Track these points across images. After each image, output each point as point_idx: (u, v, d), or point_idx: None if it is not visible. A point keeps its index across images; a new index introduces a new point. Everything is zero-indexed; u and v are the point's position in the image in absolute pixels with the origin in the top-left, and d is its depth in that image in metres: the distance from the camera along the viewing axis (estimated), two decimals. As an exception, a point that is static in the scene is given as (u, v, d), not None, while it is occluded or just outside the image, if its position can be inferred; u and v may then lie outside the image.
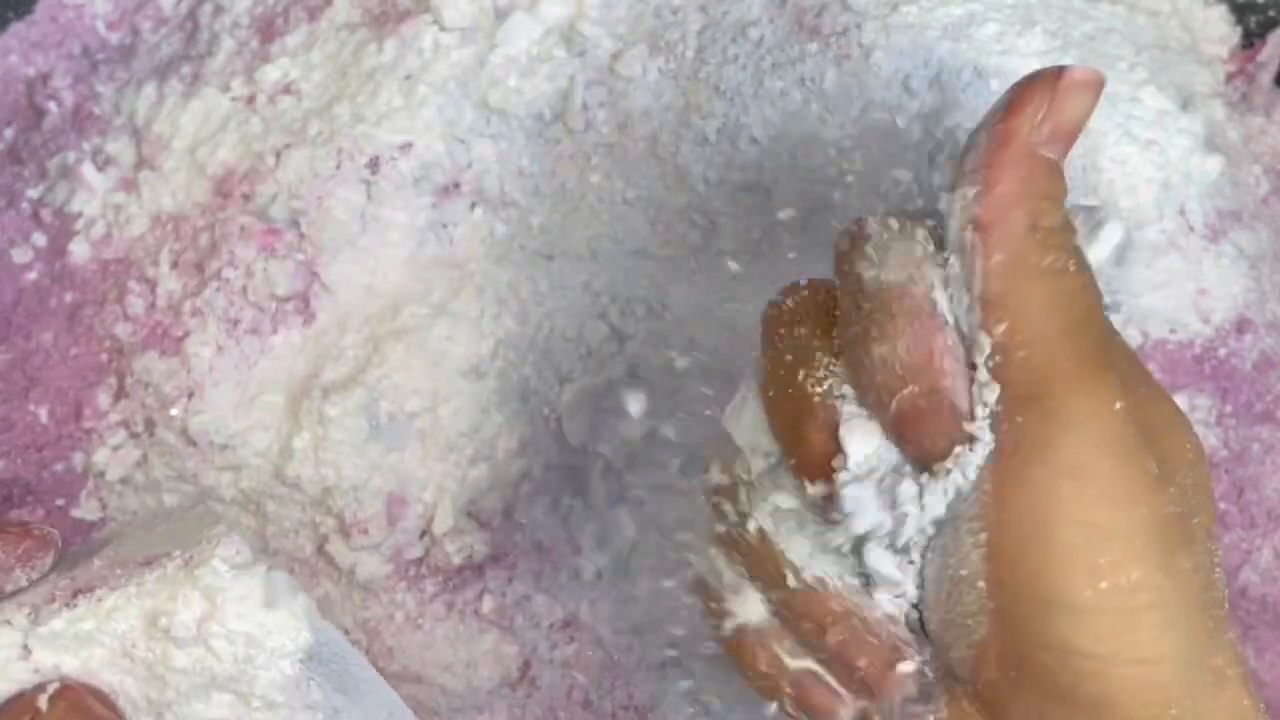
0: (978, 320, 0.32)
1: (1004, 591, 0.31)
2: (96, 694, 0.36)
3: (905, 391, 0.32)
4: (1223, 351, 0.51)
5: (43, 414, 0.55)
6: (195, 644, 0.37)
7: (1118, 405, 0.31)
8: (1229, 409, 0.51)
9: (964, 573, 0.32)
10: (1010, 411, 0.31)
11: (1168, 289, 0.51)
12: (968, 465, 0.32)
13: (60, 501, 0.54)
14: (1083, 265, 0.33)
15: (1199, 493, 0.33)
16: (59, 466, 0.54)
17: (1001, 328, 0.32)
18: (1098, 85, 0.33)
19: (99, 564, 0.38)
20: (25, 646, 0.36)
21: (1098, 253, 0.34)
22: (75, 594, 0.37)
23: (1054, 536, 0.30)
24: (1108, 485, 0.30)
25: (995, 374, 0.32)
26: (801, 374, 0.34)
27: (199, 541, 0.38)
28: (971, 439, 0.32)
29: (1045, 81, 0.33)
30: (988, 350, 0.32)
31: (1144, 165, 0.51)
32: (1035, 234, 0.32)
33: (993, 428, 0.32)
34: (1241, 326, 0.51)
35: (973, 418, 0.32)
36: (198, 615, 0.37)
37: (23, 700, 0.35)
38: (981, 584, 0.32)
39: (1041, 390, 0.31)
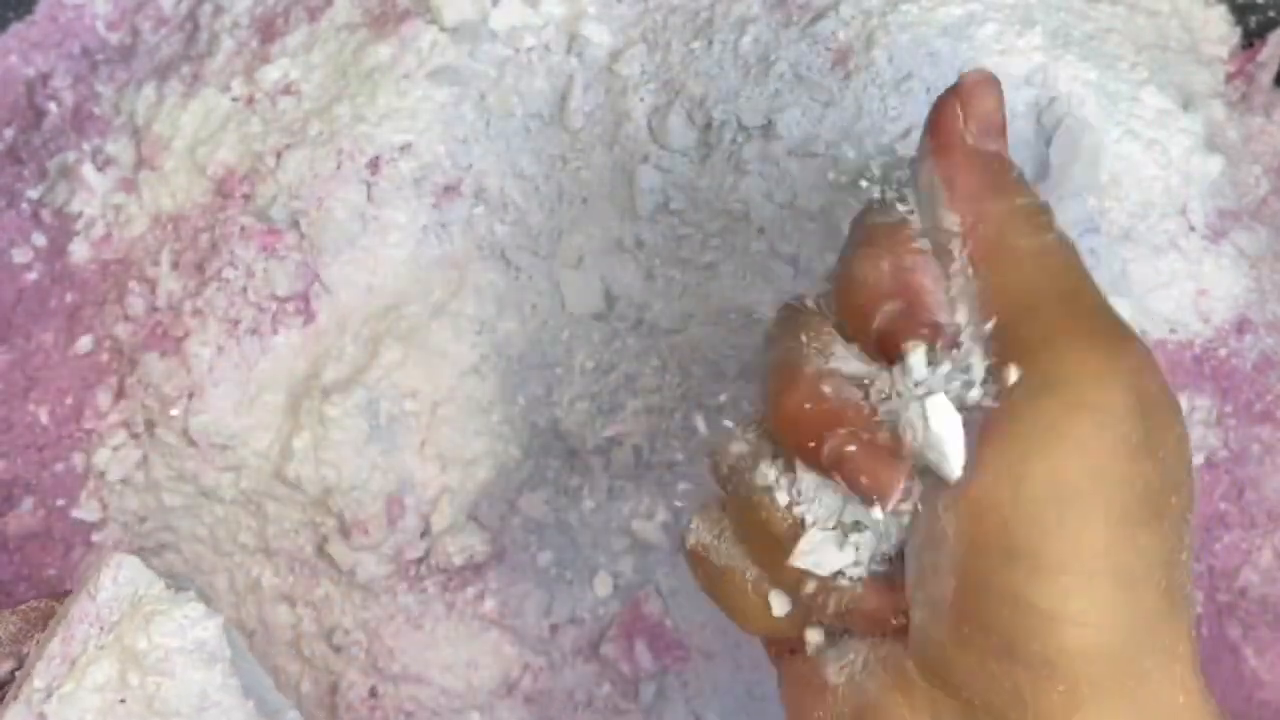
0: (974, 300, 0.33)
1: (969, 543, 0.32)
2: None
3: (887, 307, 0.33)
4: (1223, 351, 0.51)
5: (43, 414, 0.55)
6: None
7: (1105, 368, 0.31)
8: (1229, 409, 0.51)
9: (939, 526, 0.32)
10: (999, 369, 0.32)
11: (1168, 289, 0.51)
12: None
13: (61, 501, 0.54)
14: (1066, 241, 0.34)
15: (1178, 472, 0.32)
16: (59, 466, 0.54)
17: (994, 314, 0.33)
18: (991, 80, 0.35)
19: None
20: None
21: None
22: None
23: (1023, 491, 0.31)
24: (1084, 446, 0.31)
25: (995, 340, 0.32)
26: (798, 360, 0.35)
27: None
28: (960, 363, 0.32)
29: (951, 92, 0.35)
30: (986, 324, 0.33)
31: (1145, 164, 0.51)
32: (1013, 216, 0.34)
33: (983, 383, 0.32)
34: (1241, 326, 0.51)
35: (954, 342, 0.33)
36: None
37: None
38: (951, 535, 0.32)
39: (1030, 351, 0.32)
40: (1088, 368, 0.31)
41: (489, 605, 0.51)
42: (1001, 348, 0.32)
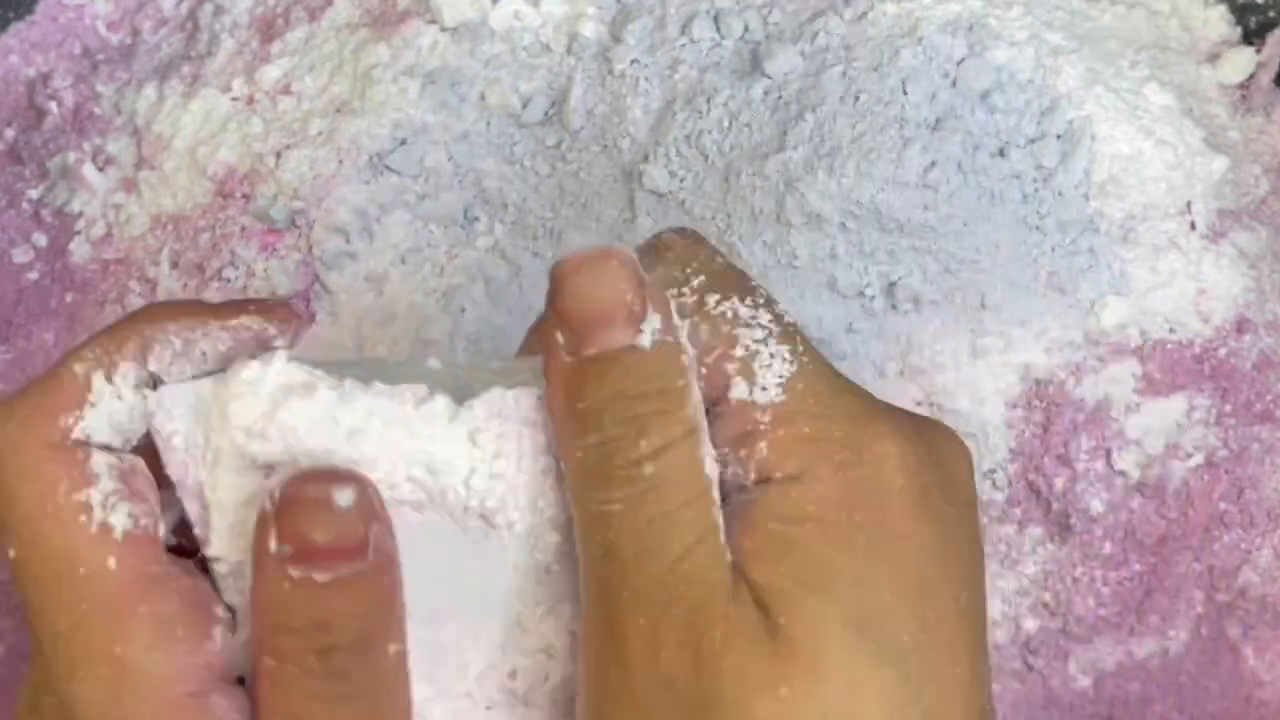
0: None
1: None
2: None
3: None
4: (1222, 351, 0.51)
5: (43, 414, 0.55)
6: None
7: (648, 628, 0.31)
8: (1229, 409, 0.51)
9: None
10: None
11: (1168, 289, 0.51)
12: None
13: (61, 501, 0.54)
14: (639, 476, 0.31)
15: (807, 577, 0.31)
16: (60, 466, 0.54)
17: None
18: (568, 273, 0.32)
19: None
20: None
21: None
22: None
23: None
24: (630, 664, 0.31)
25: None
26: None
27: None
28: None
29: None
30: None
31: (1146, 164, 0.51)
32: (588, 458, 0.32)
33: None
34: (1241, 326, 0.51)
35: None
36: None
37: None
38: None
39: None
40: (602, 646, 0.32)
41: (489, 605, 0.51)
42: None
